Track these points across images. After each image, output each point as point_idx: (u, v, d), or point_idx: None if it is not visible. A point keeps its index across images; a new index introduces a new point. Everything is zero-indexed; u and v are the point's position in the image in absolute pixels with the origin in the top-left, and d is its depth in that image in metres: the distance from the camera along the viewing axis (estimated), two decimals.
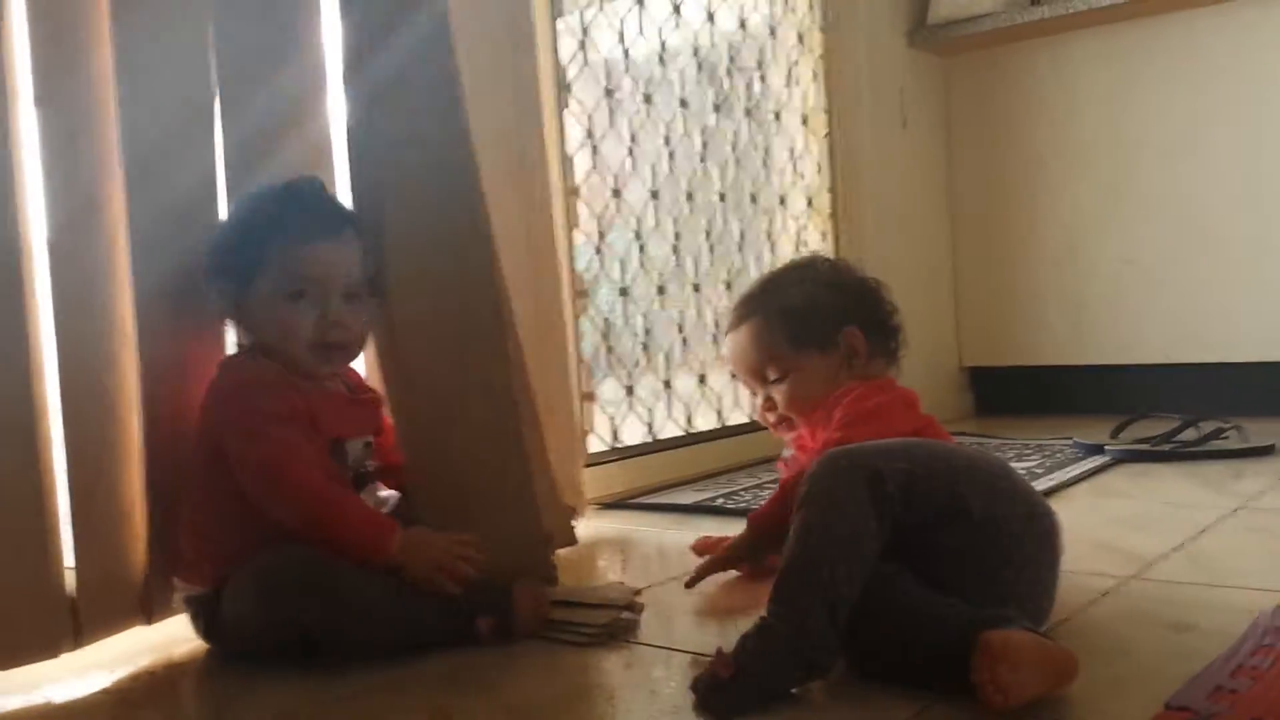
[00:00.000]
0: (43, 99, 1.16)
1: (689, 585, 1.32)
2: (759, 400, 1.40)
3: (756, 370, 1.38)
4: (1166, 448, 2.16)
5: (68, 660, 1.16)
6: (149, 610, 1.23)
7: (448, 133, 1.39)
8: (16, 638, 1.11)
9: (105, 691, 1.12)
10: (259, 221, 1.24)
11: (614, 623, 1.19)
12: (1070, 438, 2.32)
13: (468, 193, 1.40)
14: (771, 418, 1.39)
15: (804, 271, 1.41)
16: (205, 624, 1.21)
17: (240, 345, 1.29)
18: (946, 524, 1.03)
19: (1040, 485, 1.84)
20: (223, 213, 1.29)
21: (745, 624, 0.98)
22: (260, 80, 1.33)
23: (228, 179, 1.30)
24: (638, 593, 1.27)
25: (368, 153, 1.36)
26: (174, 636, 1.25)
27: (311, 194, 1.27)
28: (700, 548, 1.41)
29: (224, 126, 1.30)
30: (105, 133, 1.21)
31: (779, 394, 1.36)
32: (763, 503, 1.35)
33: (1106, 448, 2.17)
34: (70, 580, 1.17)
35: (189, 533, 1.21)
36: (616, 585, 1.32)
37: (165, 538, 1.22)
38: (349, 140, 1.37)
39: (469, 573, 1.17)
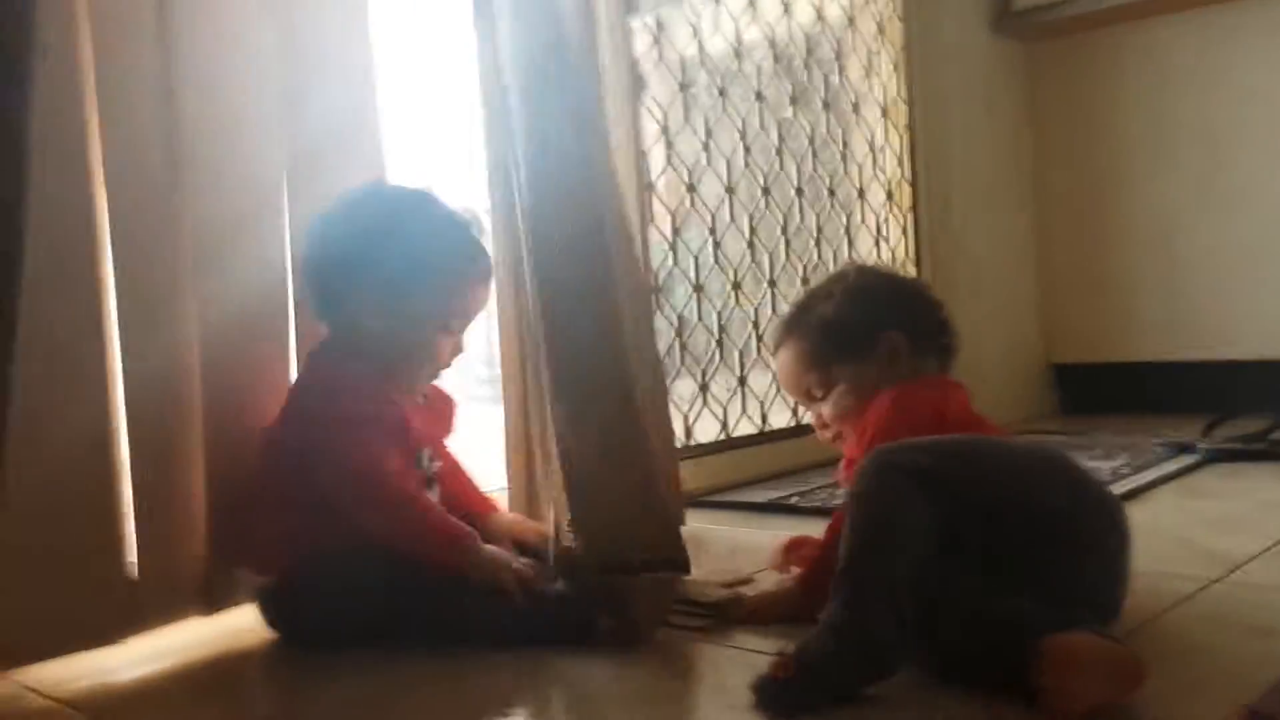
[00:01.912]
0: (109, 98, 1.19)
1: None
2: (813, 418, 1.39)
3: (803, 389, 1.36)
4: (1260, 446, 2.08)
5: (133, 647, 1.19)
6: (210, 601, 1.25)
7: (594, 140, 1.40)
8: (80, 623, 1.14)
9: (168, 677, 1.15)
10: (437, 248, 1.26)
11: (725, 602, 1.20)
12: (1159, 436, 2.25)
13: (609, 202, 1.41)
14: (828, 434, 1.37)
15: (834, 284, 1.38)
16: (275, 615, 1.23)
17: (323, 343, 1.29)
18: (1003, 519, 1.01)
19: (1127, 485, 1.79)
20: (286, 212, 1.31)
21: (809, 624, 0.96)
22: (322, 84, 1.35)
23: (289, 182, 1.33)
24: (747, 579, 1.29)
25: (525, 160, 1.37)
26: (239, 626, 1.27)
27: (476, 230, 1.31)
28: (792, 546, 1.38)
29: (288, 130, 1.32)
30: (173, 132, 1.23)
31: (827, 410, 1.34)
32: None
33: (1197, 446, 2.11)
34: (133, 569, 1.20)
35: (262, 525, 1.23)
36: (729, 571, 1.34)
37: (230, 529, 1.25)
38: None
39: (528, 578, 1.17)
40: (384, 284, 1.23)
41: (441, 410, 1.36)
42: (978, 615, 0.94)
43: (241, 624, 1.27)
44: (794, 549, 1.36)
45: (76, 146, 1.15)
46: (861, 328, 1.30)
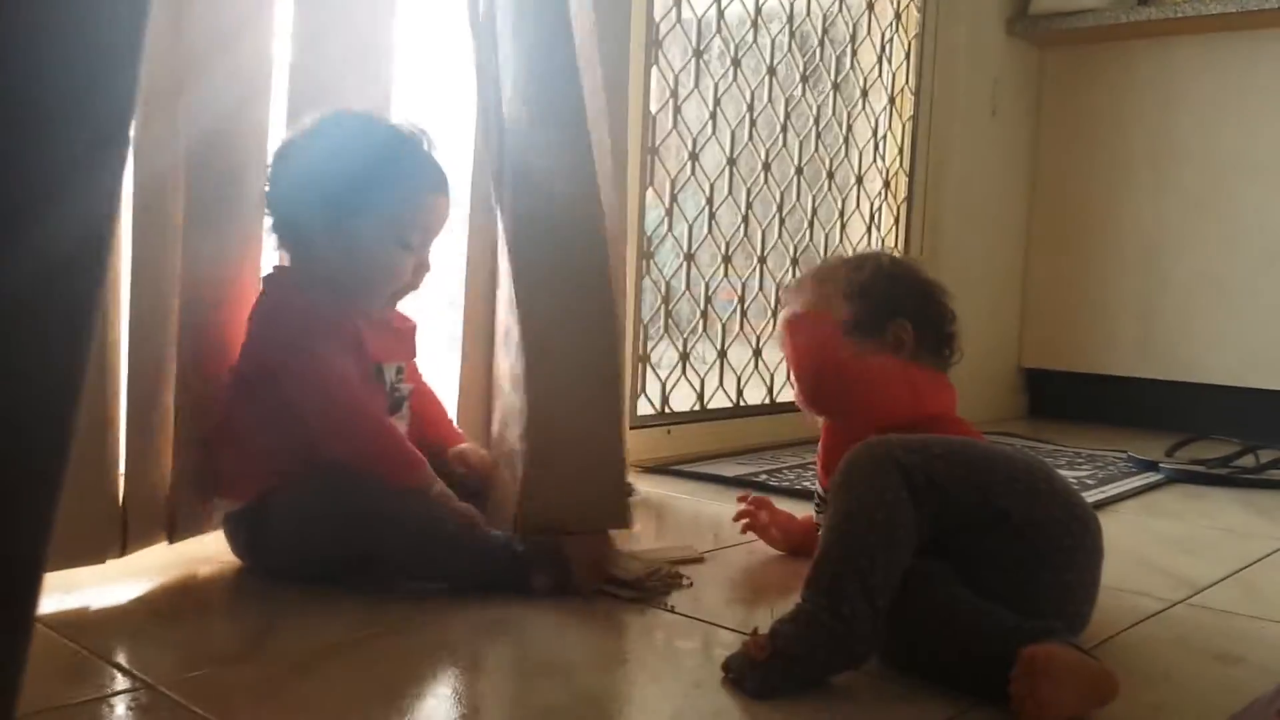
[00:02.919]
0: None
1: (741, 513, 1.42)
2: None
3: None
4: (1223, 471, 2.11)
5: (103, 569, 1.18)
6: (172, 528, 1.24)
7: (577, 120, 1.38)
8: (71, 542, 1.12)
9: (143, 602, 1.14)
10: (379, 163, 1.25)
11: (652, 578, 1.20)
12: (1125, 451, 2.28)
13: (589, 188, 1.39)
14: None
15: (865, 260, 1.38)
16: (245, 539, 1.23)
17: (281, 266, 1.29)
18: (985, 525, 1.01)
19: (1090, 497, 1.81)
20: (269, 140, 1.29)
21: (776, 602, 0.97)
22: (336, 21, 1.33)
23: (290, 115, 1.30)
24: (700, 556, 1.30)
25: (506, 133, 1.37)
26: (208, 553, 1.26)
27: (425, 145, 1.29)
28: (751, 503, 1.43)
29: (290, 72, 1.30)
30: (173, 54, 1.20)
31: None
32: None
33: (1161, 465, 2.13)
34: (121, 489, 1.19)
35: (230, 448, 1.23)
36: (683, 547, 1.35)
37: (202, 455, 1.24)
38: (485, 112, 1.38)
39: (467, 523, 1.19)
40: (332, 205, 1.23)
41: (401, 331, 1.35)
42: (954, 619, 0.94)
43: (208, 552, 1.26)
44: (754, 506, 1.42)
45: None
46: (879, 307, 1.30)
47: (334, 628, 1.06)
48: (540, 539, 1.21)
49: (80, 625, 1.04)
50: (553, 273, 1.37)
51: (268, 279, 1.28)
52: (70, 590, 1.13)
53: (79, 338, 0.55)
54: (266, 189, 1.26)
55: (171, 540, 1.24)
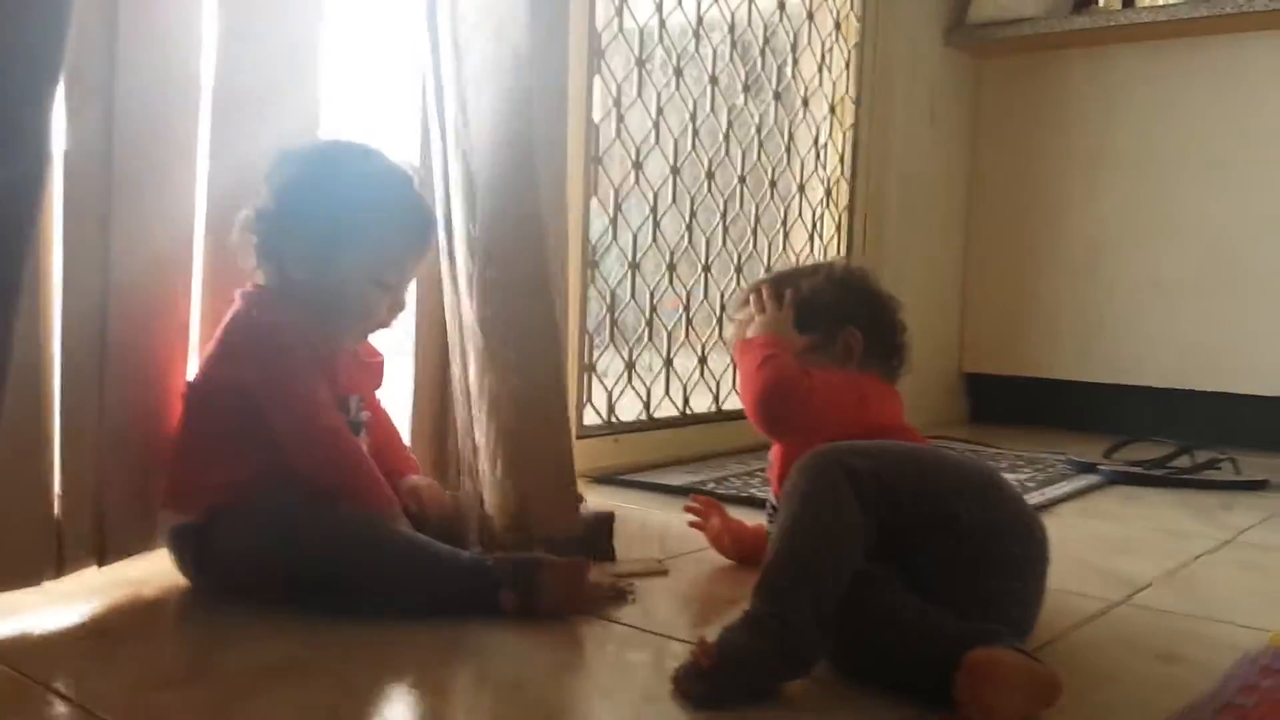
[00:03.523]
0: None
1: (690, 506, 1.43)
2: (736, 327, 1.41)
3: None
4: (1159, 473, 2.16)
5: (46, 588, 1.16)
6: (102, 551, 1.21)
7: (525, 142, 1.39)
8: (2, 563, 1.10)
9: (84, 625, 1.11)
10: (366, 202, 1.25)
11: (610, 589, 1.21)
12: (1063, 454, 2.32)
13: (535, 203, 1.41)
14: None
15: (821, 268, 1.40)
16: (193, 556, 1.20)
17: (259, 285, 1.27)
18: (934, 531, 1.02)
19: (1030, 500, 1.83)
20: (205, 154, 1.27)
21: (725, 612, 0.97)
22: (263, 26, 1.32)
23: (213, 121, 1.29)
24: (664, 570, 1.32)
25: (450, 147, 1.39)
26: (147, 574, 1.24)
27: (414, 190, 1.30)
28: (699, 507, 1.43)
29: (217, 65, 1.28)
30: (112, 60, 1.18)
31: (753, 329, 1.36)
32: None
33: (1099, 467, 2.17)
34: (56, 509, 1.16)
35: (182, 460, 1.21)
36: (646, 560, 1.36)
37: (138, 473, 1.21)
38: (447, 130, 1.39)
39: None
40: (314, 236, 1.23)
41: (369, 363, 1.36)
42: (901, 623, 0.95)
43: (147, 573, 1.24)
44: (703, 510, 1.42)
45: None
46: (830, 314, 1.32)
47: (283, 647, 1.04)
48: (510, 558, 1.18)
49: (19, 650, 1.02)
50: (498, 283, 1.36)
51: (247, 296, 1.26)
52: (8, 614, 1.10)
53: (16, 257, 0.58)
54: (256, 208, 1.24)
55: (101, 564, 1.21)
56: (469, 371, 1.37)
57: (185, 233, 1.27)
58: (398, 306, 1.31)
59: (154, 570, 1.24)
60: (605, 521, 1.40)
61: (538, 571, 1.15)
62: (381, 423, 1.38)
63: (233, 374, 1.20)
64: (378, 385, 1.37)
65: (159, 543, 1.24)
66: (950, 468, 1.08)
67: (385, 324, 1.31)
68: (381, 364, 1.37)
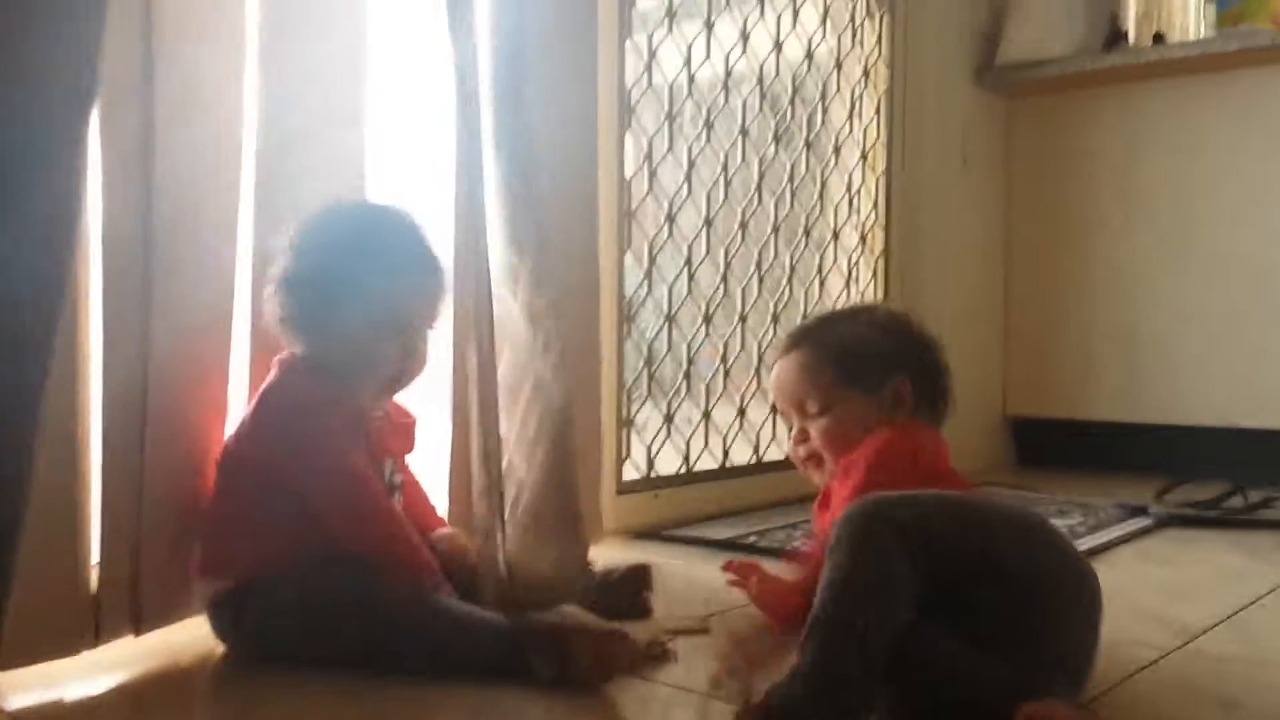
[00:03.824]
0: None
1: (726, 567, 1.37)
2: (794, 432, 1.39)
3: (798, 400, 1.36)
4: (1213, 514, 2.11)
5: (81, 660, 1.16)
6: (138, 620, 1.21)
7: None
8: (40, 634, 1.11)
9: (118, 691, 1.11)
10: (361, 251, 1.25)
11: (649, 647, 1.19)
12: (1113, 497, 2.28)
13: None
14: (802, 451, 1.37)
15: (864, 313, 1.40)
16: (231, 623, 1.20)
17: (294, 356, 1.28)
18: (982, 580, 1.00)
19: (1081, 545, 1.80)
20: (248, 223, 1.30)
21: (772, 669, 0.95)
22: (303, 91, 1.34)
23: (256, 191, 1.31)
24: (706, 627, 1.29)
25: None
26: (185, 641, 1.24)
27: (410, 229, 1.30)
28: (731, 568, 1.39)
29: (259, 134, 1.31)
30: (149, 130, 1.20)
31: (815, 428, 1.34)
32: (783, 583, 1.33)
33: (1150, 509, 2.13)
34: (94, 578, 1.17)
35: (215, 529, 1.22)
36: (687, 617, 1.33)
37: (174, 541, 1.22)
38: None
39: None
40: (317, 294, 1.24)
41: (402, 425, 1.35)
42: (953, 674, 0.93)
43: (184, 640, 1.24)
44: (742, 571, 1.38)
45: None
46: (877, 362, 1.31)
47: (318, 715, 1.03)
48: (546, 625, 1.17)
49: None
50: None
51: (282, 363, 1.27)
52: (47, 684, 1.10)
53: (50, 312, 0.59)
54: (275, 278, 1.26)
55: (138, 633, 1.21)
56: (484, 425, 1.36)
57: (225, 302, 1.29)
58: (414, 356, 1.29)
59: (191, 638, 1.24)
60: (641, 575, 1.38)
61: (572, 639, 1.12)
62: (412, 484, 1.38)
63: (265, 446, 1.21)
64: (410, 448, 1.36)
65: (196, 610, 1.24)
66: (997, 516, 1.06)
67: (401, 378, 1.30)
68: (413, 425, 1.37)
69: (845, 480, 1.27)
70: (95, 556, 1.17)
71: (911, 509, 1.01)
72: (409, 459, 1.38)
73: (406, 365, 1.29)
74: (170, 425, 1.22)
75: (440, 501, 1.51)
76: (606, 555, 1.67)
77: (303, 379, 1.25)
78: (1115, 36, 2.85)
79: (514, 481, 1.35)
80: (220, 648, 1.22)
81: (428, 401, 1.52)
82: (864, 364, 1.32)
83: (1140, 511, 2.13)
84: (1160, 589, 1.57)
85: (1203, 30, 2.71)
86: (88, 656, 1.16)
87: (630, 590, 1.36)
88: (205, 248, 1.25)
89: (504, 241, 1.41)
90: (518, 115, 1.45)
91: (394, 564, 1.19)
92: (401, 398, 1.36)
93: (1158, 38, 2.78)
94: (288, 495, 1.19)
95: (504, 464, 1.37)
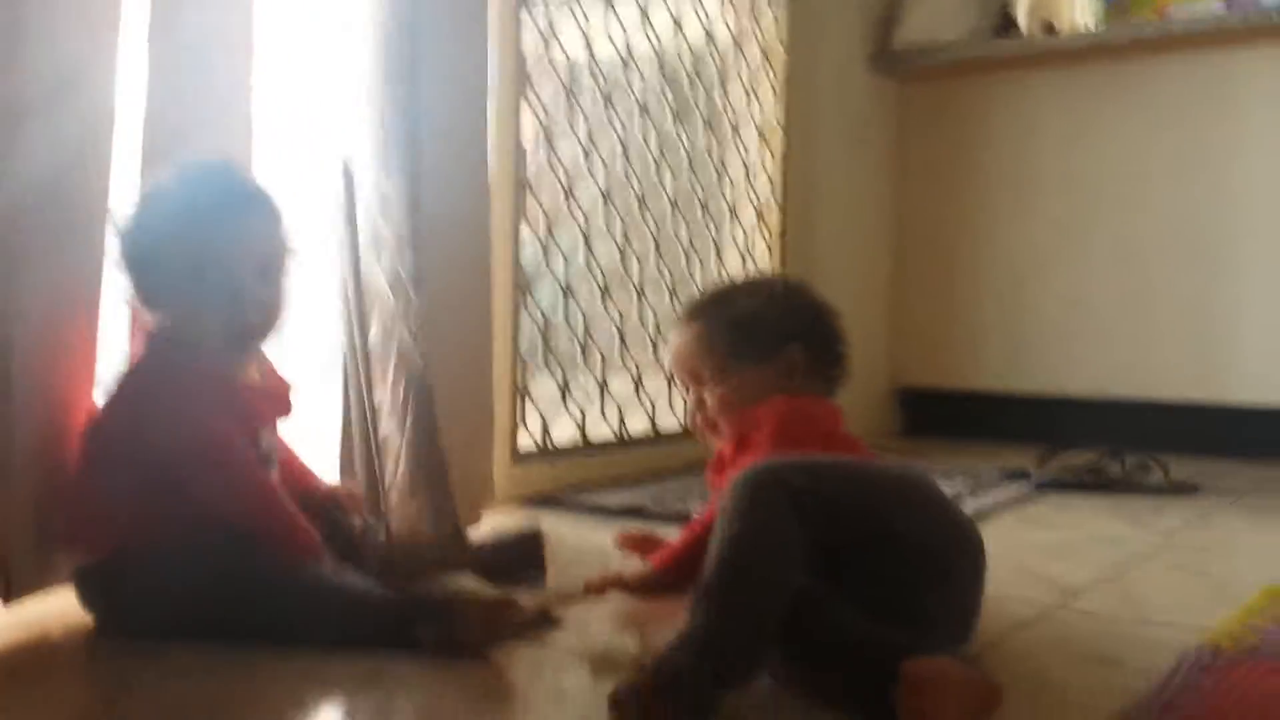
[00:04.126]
0: None
1: (587, 589, 1.31)
2: (691, 401, 1.40)
3: (694, 371, 1.38)
4: (1088, 479, 2.18)
5: None
6: (8, 587, 1.16)
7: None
8: None
9: None
10: (158, 205, 1.21)
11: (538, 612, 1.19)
12: (996, 464, 2.34)
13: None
14: (699, 419, 1.39)
15: (760, 286, 1.42)
16: (100, 596, 1.17)
17: (157, 329, 1.23)
18: (872, 544, 1.02)
19: (965, 508, 1.83)
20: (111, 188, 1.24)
21: (661, 632, 0.95)
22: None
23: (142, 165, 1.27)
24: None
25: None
26: (46, 613, 1.19)
27: (221, 175, 1.24)
28: (625, 541, 1.41)
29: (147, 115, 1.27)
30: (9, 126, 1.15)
31: (711, 397, 1.36)
32: (669, 545, 1.33)
33: (1031, 475, 2.19)
34: None
35: (84, 502, 1.17)
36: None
37: (44, 508, 1.17)
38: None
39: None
40: (132, 259, 1.20)
41: (277, 390, 1.31)
42: (840, 636, 0.94)
43: (54, 610, 1.19)
44: (636, 544, 1.39)
45: None
46: (771, 333, 1.33)
47: (193, 688, 1.00)
48: (429, 593, 1.16)
49: None
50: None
51: (151, 340, 1.22)
52: None
53: None
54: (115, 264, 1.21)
55: (8, 600, 1.16)
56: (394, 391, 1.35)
57: (94, 277, 1.23)
58: (250, 304, 1.21)
59: (61, 608, 1.19)
60: (533, 540, 1.37)
61: (458, 607, 1.10)
62: (285, 451, 1.33)
63: (128, 419, 1.16)
64: (287, 413, 1.31)
65: (63, 580, 1.19)
66: (888, 478, 1.08)
67: (254, 331, 1.24)
68: (289, 390, 1.32)
69: (746, 448, 1.29)
70: None
71: (804, 473, 1.01)
72: (285, 425, 1.33)
73: (249, 314, 1.22)
74: (36, 395, 1.17)
75: (331, 470, 1.49)
76: (501, 522, 1.67)
77: (160, 349, 1.21)
78: (1007, 25, 2.91)
79: (390, 448, 1.33)
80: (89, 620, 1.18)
81: (322, 373, 1.50)
82: (757, 335, 1.34)
83: (1022, 476, 2.20)
84: (1041, 550, 1.62)
85: (1089, 23, 2.78)
86: None
87: (521, 556, 1.35)
88: (75, 224, 1.20)
89: (377, 208, 1.38)
90: (401, 83, 1.43)
91: (267, 536, 1.15)
92: (281, 363, 1.32)
93: (1048, 27, 2.84)
94: (153, 468, 1.14)
95: (380, 432, 1.35)
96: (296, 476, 1.33)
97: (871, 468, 1.13)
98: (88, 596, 1.18)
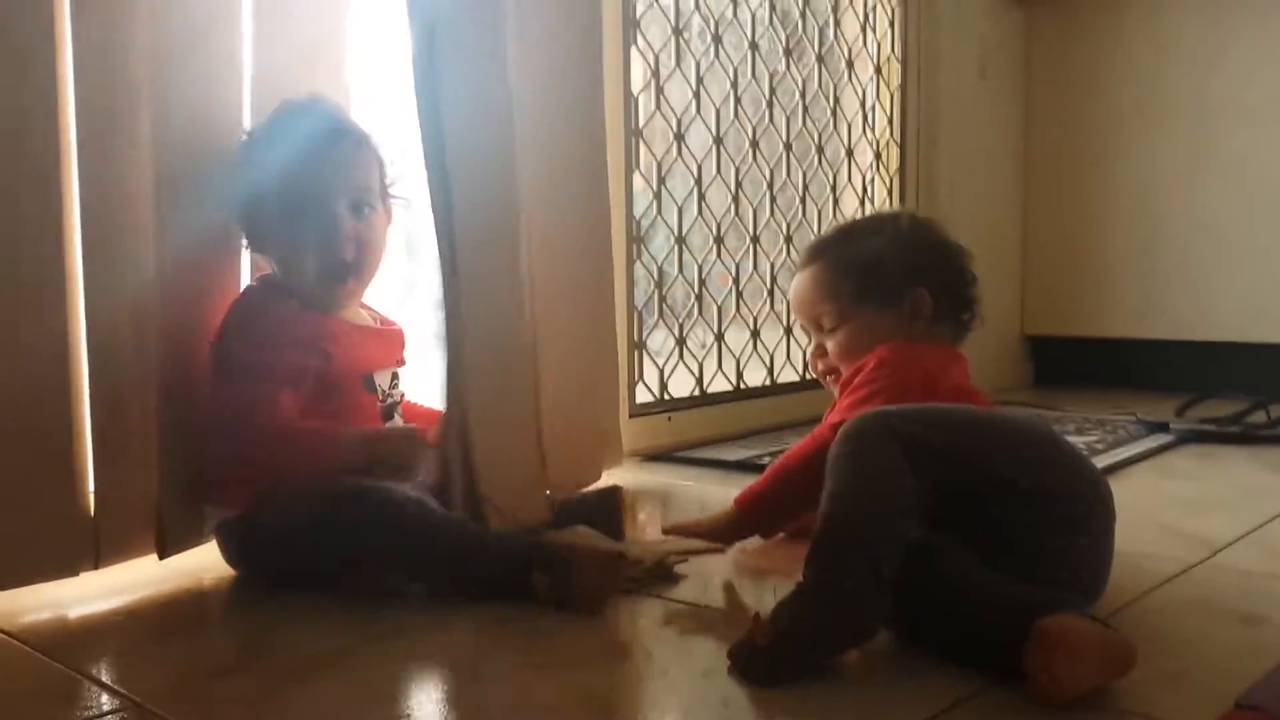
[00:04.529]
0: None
1: (666, 534, 1.28)
2: (812, 346, 1.37)
3: (814, 316, 1.34)
4: (1234, 429, 2.08)
5: (90, 582, 1.16)
6: (163, 544, 1.21)
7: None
8: (39, 555, 1.11)
9: (124, 613, 1.11)
10: (257, 143, 1.24)
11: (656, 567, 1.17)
12: (1133, 414, 2.25)
13: (511, 186, 1.37)
14: (820, 365, 1.36)
15: (884, 224, 1.36)
16: (237, 548, 1.20)
17: (259, 276, 1.27)
18: (992, 494, 0.98)
19: (1100, 462, 1.78)
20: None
21: (783, 586, 0.93)
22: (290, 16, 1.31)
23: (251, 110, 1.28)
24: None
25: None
26: (198, 566, 1.23)
27: (308, 110, 1.25)
28: (672, 531, 1.32)
29: (254, 57, 1.28)
30: (129, 57, 1.17)
31: (832, 343, 1.32)
32: (752, 483, 1.28)
33: (1171, 426, 2.10)
34: (92, 501, 1.16)
35: (218, 457, 1.20)
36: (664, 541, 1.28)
37: (190, 466, 1.20)
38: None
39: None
40: (237, 199, 1.22)
41: (387, 334, 1.32)
42: (966, 591, 0.91)
43: (201, 564, 1.24)
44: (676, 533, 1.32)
45: (44, 59, 1.09)
46: (896, 277, 1.29)
47: (330, 635, 1.03)
48: (546, 541, 1.15)
49: (62, 642, 1.02)
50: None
51: (248, 287, 1.25)
52: (54, 607, 1.10)
53: None
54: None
55: (163, 555, 1.21)
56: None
57: (233, 233, 1.28)
58: (341, 235, 1.22)
59: (208, 561, 1.23)
60: (610, 498, 1.35)
61: (573, 559, 1.09)
62: (409, 404, 1.34)
63: (214, 373, 1.20)
64: (400, 360, 1.32)
65: (208, 535, 1.23)
66: (1004, 428, 1.03)
67: (349, 268, 1.24)
68: (401, 335, 1.33)
69: (844, 394, 1.25)
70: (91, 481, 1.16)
71: (915, 422, 0.98)
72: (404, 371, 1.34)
73: (342, 247, 1.23)
74: (181, 348, 1.21)
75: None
76: (620, 477, 1.67)
77: (250, 292, 1.24)
78: None
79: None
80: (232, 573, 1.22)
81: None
82: (881, 277, 1.30)
83: (1161, 428, 2.10)
84: (1181, 505, 1.55)
85: None
86: (103, 579, 1.16)
87: (607, 515, 1.33)
88: (208, 178, 1.23)
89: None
90: (508, 36, 1.41)
91: (311, 460, 1.17)
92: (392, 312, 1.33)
93: None
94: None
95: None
96: (421, 422, 1.34)
97: (985, 415, 1.08)
98: (226, 550, 1.21)
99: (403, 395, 1.30)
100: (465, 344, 1.25)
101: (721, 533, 1.26)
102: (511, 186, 1.37)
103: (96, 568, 1.16)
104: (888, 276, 1.29)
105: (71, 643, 1.02)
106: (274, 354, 1.17)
